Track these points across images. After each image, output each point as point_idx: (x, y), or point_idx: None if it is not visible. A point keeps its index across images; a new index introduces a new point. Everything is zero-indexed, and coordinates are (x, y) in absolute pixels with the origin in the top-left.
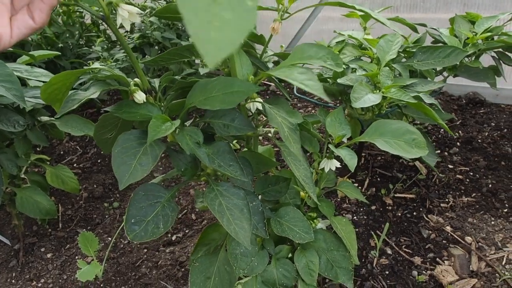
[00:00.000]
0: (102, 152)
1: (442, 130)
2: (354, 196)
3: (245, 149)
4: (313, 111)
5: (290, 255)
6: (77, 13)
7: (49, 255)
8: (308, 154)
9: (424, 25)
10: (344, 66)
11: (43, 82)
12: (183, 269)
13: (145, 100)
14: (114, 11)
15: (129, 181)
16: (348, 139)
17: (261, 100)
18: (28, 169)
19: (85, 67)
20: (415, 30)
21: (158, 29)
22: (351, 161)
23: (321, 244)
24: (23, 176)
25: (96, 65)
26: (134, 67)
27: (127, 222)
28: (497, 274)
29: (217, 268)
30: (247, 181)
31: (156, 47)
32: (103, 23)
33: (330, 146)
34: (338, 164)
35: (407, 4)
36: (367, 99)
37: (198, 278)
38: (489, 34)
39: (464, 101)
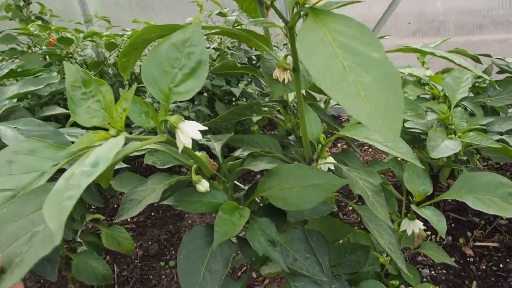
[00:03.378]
0: (155, 204)
1: None
2: (441, 260)
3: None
4: (370, 149)
5: None
6: None
7: None
8: None
9: (488, 55)
10: None
11: None
12: None
13: (208, 189)
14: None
15: None
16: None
17: (334, 160)
18: (83, 230)
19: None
20: (479, 61)
21: (207, 77)
22: (440, 224)
23: None
24: (78, 239)
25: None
26: (194, 159)
27: None
28: None
29: None
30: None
31: (205, 94)
32: None
33: (412, 206)
34: (421, 226)
35: (456, 26)
36: (444, 146)
37: None
38: None
39: None
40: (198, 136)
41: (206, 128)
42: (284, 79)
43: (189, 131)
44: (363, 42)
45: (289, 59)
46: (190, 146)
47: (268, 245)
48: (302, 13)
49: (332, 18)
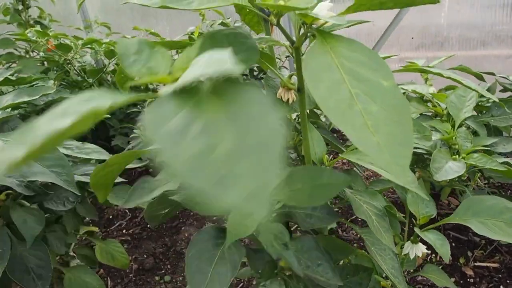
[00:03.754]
0: None
1: None
2: (443, 284)
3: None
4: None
5: None
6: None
7: None
8: None
9: (492, 73)
10: None
11: (93, 159)
12: None
13: None
14: None
15: None
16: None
17: None
18: (76, 244)
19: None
20: (482, 79)
21: None
22: (443, 248)
23: None
24: (71, 253)
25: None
26: None
27: None
28: None
29: None
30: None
31: None
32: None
33: (416, 230)
34: (424, 250)
35: (460, 41)
36: (448, 168)
37: None
38: None
39: None
40: None
41: None
42: (288, 99)
43: None
44: (371, 69)
45: (294, 78)
46: None
47: (283, 249)
48: (308, 34)
49: (340, 42)
